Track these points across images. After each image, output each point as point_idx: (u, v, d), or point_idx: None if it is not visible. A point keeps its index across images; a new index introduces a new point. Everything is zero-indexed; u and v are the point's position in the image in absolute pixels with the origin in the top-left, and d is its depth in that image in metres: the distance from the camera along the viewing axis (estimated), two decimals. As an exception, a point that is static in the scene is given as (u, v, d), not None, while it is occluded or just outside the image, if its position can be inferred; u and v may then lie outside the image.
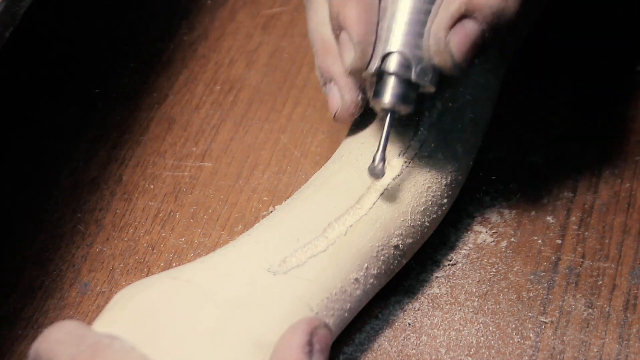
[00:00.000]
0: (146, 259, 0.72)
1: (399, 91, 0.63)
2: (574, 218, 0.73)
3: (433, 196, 0.67)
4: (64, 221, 0.74)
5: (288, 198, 0.75)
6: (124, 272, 0.71)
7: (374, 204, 0.65)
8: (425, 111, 0.69)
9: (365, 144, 0.69)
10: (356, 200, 0.65)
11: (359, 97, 0.68)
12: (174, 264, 0.71)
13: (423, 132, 0.68)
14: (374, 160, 0.64)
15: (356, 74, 0.65)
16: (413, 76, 0.63)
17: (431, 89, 0.64)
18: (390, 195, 0.66)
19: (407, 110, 0.64)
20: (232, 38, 0.87)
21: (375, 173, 0.64)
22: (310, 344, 0.57)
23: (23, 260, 0.72)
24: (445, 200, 0.68)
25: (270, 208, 0.74)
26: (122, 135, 0.80)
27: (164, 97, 0.83)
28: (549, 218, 0.73)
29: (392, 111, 0.64)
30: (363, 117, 0.71)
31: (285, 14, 0.89)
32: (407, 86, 0.63)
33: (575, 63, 0.82)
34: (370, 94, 0.66)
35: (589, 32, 0.83)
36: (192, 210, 0.75)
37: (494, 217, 0.73)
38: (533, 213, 0.73)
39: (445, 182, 0.68)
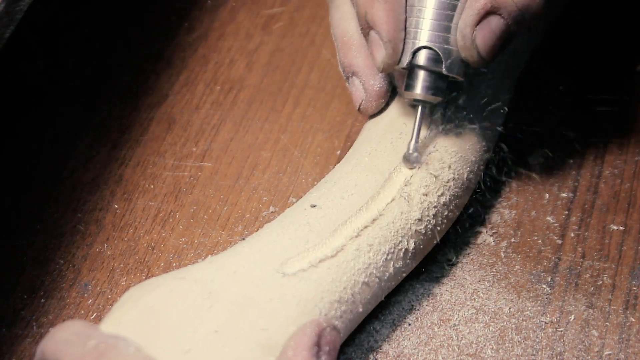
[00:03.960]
0: (146, 259, 0.72)
1: (429, 83, 0.66)
2: (574, 218, 0.73)
3: (445, 199, 0.67)
4: (64, 221, 0.74)
5: (288, 198, 0.75)
6: (124, 272, 0.71)
7: (386, 207, 0.65)
8: (438, 113, 0.69)
9: (378, 148, 0.69)
10: (367, 203, 0.65)
11: (382, 89, 0.70)
12: (174, 264, 0.71)
13: (434, 134, 0.68)
14: (408, 149, 0.66)
15: (387, 70, 0.67)
16: (443, 69, 0.65)
17: (460, 79, 0.67)
18: (401, 198, 0.65)
19: (438, 100, 0.66)
20: (232, 38, 0.87)
21: (410, 161, 0.66)
22: (318, 345, 0.57)
23: (23, 260, 0.72)
24: (456, 203, 0.68)
25: (271, 208, 0.74)
26: (122, 135, 0.80)
27: (164, 97, 0.83)
28: (549, 218, 0.73)
29: (424, 102, 0.66)
30: (375, 121, 0.71)
31: (285, 14, 0.89)
32: (437, 78, 0.66)
33: (576, 63, 0.82)
34: (401, 87, 0.68)
35: (589, 32, 0.83)
36: (192, 210, 0.75)
37: (494, 217, 0.73)
38: (533, 213, 0.73)
39: (457, 185, 0.68)
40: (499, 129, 0.73)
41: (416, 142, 0.66)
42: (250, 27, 0.88)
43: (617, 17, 0.84)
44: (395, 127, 0.69)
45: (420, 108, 0.66)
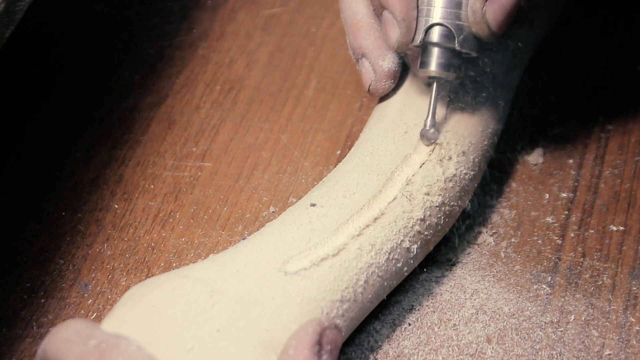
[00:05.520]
0: (146, 259, 0.72)
1: (443, 60, 0.67)
2: (574, 218, 0.73)
3: (447, 199, 0.67)
4: (64, 221, 0.74)
5: (288, 198, 0.75)
6: (124, 272, 0.71)
7: (387, 205, 0.65)
8: (443, 109, 0.70)
9: (380, 147, 0.69)
10: (369, 202, 0.65)
11: (391, 69, 0.71)
12: (174, 264, 0.71)
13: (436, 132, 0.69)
14: (425, 125, 0.67)
15: (402, 48, 0.68)
16: (456, 45, 0.66)
17: (474, 54, 0.68)
18: (403, 197, 0.65)
19: (452, 77, 0.67)
20: (232, 38, 0.87)
21: (427, 137, 0.67)
22: (319, 344, 0.57)
23: (23, 260, 0.72)
24: (459, 202, 0.68)
25: (271, 208, 0.74)
26: (122, 135, 0.80)
27: (164, 97, 0.83)
28: (549, 218, 0.73)
29: (439, 78, 0.67)
30: (377, 120, 0.71)
31: (285, 14, 0.89)
32: (451, 54, 0.67)
33: (576, 63, 0.82)
34: (415, 65, 0.69)
35: (589, 32, 0.83)
36: (192, 210, 0.75)
37: (494, 217, 0.73)
38: (533, 213, 0.73)
39: (459, 184, 0.68)
40: (500, 129, 0.73)
41: (432, 118, 0.67)
42: (250, 27, 0.88)
43: (617, 17, 0.84)
44: (397, 126, 0.69)
45: (435, 85, 0.67)
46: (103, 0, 0.90)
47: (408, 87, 0.72)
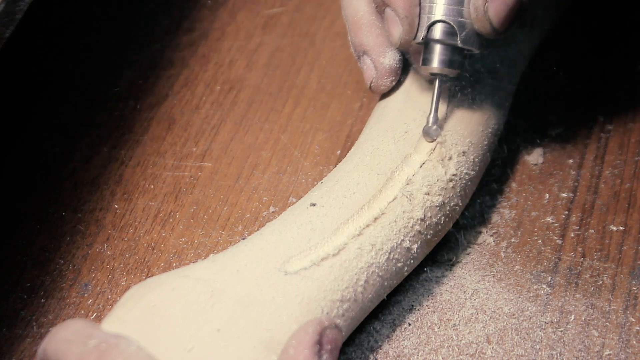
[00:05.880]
0: (146, 259, 0.72)
1: (446, 56, 0.67)
2: (574, 218, 0.73)
3: (447, 198, 0.67)
4: (64, 221, 0.74)
5: (288, 198, 0.75)
6: (124, 272, 0.71)
7: (388, 205, 0.65)
8: (445, 108, 0.70)
9: (380, 147, 0.69)
10: (369, 201, 0.65)
11: (392, 66, 0.71)
12: (174, 264, 0.71)
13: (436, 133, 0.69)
14: (427, 122, 0.67)
15: (404, 46, 0.68)
16: (459, 42, 0.66)
17: (476, 51, 0.68)
18: (403, 197, 0.65)
19: (454, 74, 0.68)
20: (232, 38, 0.87)
21: (430, 134, 0.67)
22: (319, 344, 0.57)
23: (23, 260, 0.72)
24: (459, 202, 0.68)
25: (271, 208, 0.74)
26: (122, 135, 0.80)
27: (164, 97, 0.83)
28: (549, 218, 0.73)
29: (441, 75, 0.67)
30: (377, 120, 0.71)
31: (285, 14, 0.89)
32: (453, 51, 0.67)
33: (576, 63, 0.82)
34: (418, 62, 0.69)
35: (589, 32, 0.83)
36: (192, 210, 0.75)
37: (494, 217, 0.73)
38: (533, 213, 0.73)
39: (459, 184, 0.68)
40: (500, 129, 0.73)
41: (435, 115, 0.67)
42: (250, 27, 0.88)
43: (617, 17, 0.84)
44: (398, 125, 0.70)
45: (437, 81, 0.68)
46: (103, 0, 0.90)
47: (408, 86, 0.72)
